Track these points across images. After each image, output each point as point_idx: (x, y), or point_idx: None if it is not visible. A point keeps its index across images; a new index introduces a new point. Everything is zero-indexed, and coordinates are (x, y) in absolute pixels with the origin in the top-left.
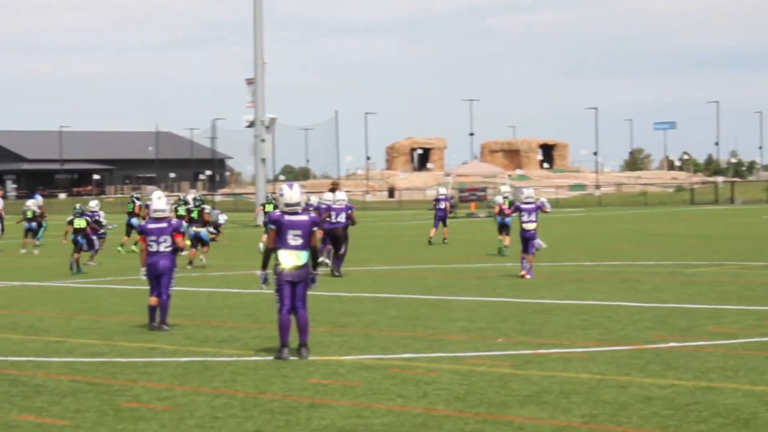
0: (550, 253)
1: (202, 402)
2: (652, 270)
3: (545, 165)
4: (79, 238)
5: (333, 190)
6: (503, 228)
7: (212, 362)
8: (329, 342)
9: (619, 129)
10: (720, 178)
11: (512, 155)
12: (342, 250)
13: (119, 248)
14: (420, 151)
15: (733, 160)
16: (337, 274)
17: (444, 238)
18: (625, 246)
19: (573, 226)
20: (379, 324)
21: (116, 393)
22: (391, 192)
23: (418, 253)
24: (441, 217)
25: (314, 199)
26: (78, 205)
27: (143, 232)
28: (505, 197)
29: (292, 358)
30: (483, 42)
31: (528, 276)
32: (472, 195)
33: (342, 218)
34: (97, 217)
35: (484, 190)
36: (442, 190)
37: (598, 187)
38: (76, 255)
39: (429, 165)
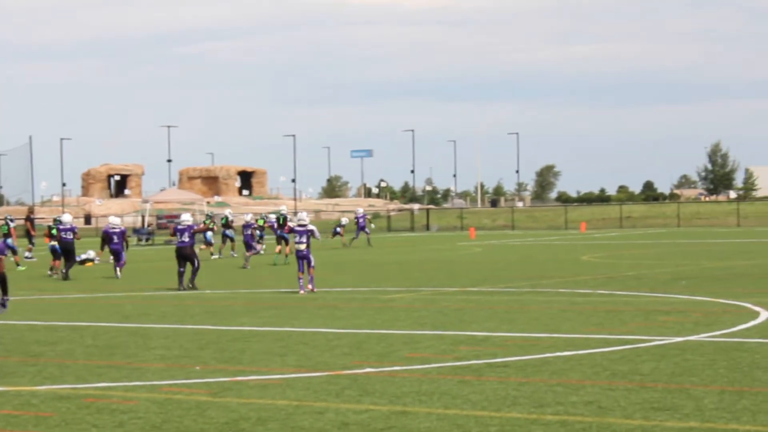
0: (249, 281)
1: None
2: (349, 296)
3: (244, 192)
4: None
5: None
6: (281, 239)
7: None
8: (22, 372)
9: (317, 156)
10: (416, 206)
11: (211, 182)
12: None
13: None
14: (117, 178)
15: (429, 188)
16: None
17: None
18: (323, 272)
19: (273, 253)
20: (75, 353)
21: None
22: (88, 219)
23: (112, 281)
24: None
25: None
26: None
27: None
28: (282, 215)
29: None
30: (180, 68)
31: (310, 287)
32: (170, 222)
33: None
34: None
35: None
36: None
37: (296, 213)
38: None
39: (126, 191)
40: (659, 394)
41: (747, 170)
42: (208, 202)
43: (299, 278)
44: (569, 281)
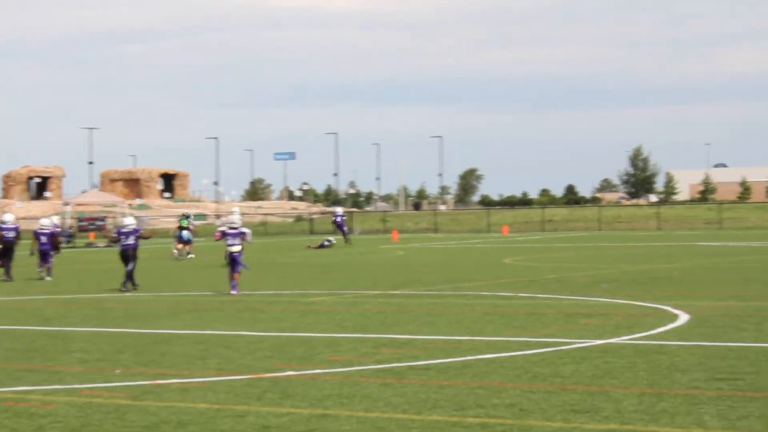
0: (174, 283)
1: None
2: (271, 299)
3: (166, 194)
4: None
5: None
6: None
7: None
8: None
9: (240, 159)
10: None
11: (133, 184)
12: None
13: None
14: (38, 180)
15: (352, 191)
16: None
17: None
18: (246, 275)
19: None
20: None
21: None
22: None
23: (33, 284)
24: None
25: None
26: None
27: None
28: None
29: None
30: (102, 70)
31: (233, 292)
32: (91, 224)
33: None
34: None
35: (103, 219)
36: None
37: (218, 216)
38: None
39: (47, 194)
40: (579, 396)
41: (668, 174)
42: (129, 205)
43: (231, 279)
44: (491, 284)
